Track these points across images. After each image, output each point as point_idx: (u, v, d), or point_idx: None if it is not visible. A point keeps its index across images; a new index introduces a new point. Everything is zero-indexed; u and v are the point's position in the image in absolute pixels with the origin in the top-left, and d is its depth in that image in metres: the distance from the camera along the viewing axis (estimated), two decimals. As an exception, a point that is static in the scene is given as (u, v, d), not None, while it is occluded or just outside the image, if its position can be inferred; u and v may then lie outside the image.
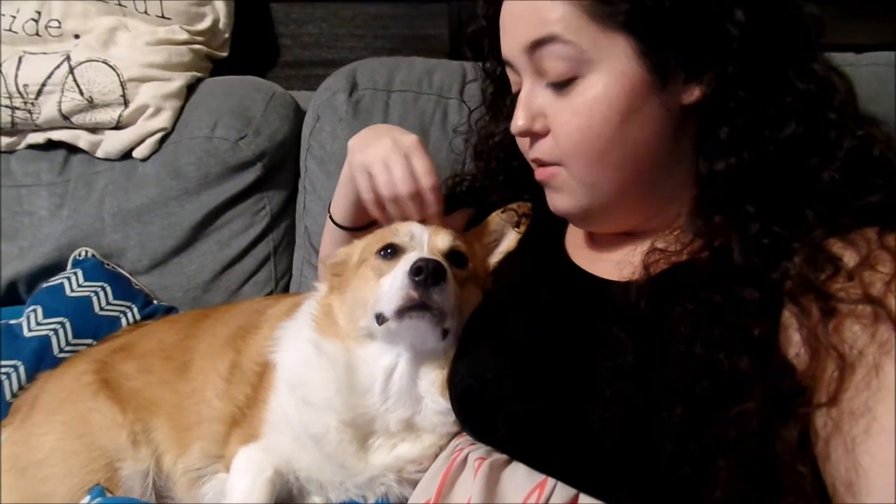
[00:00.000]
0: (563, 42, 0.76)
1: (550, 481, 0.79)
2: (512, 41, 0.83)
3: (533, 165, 0.89)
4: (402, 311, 0.86)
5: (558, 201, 0.87)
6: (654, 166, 0.80)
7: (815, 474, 0.66)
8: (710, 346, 0.70)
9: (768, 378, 0.67)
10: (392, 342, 0.93)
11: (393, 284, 0.87)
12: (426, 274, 0.83)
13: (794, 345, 0.68)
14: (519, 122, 0.84)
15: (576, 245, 0.96)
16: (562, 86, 0.78)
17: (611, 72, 0.75)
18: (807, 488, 0.65)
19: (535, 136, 0.85)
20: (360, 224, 1.11)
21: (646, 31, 0.73)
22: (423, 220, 1.00)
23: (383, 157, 0.97)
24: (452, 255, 0.96)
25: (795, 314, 0.69)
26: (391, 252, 0.95)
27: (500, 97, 1.05)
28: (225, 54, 1.71)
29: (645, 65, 0.74)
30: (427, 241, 0.95)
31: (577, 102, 0.77)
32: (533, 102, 0.82)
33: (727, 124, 0.75)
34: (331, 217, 1.14)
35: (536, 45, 0.78)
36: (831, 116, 0.75)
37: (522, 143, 0.89)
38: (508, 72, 0.88)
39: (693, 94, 0.76)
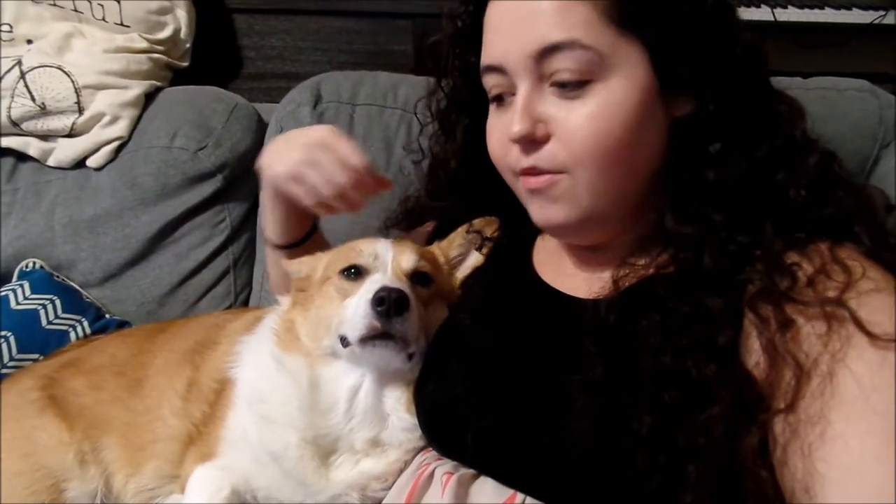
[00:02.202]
0: (583, 47, 0.74)
1: (520, 496, 0.79)
2: (513, 44, 0.78)
3: (513, 177, 0.86)
4: (366, 340, 0.86)
5: (552, 212, 0.82)
6: (649, 176, 0.81)
7: (776, 479, 0.67)
8: (679, 355, 0.71)
9: (733, 385, 0.69)
10: (356, 363, 0.92)
11: (356, 312, 0.86)
12: (388, 305, 0.83)
13: (754, 353, 0.70)
14: (518, 127, 0.78)
15: (543, 261, 0.96)
16: (573, 90, 0.76)
17: (628, 76, 0.74)
18: (768, 493, 0.66)
19: (532, 143, 0.79)
20: (301, 235, 1.09)
21: (661, 40, 0.74)
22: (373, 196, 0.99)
23: (306, 159, 0.92)
24: (416, 275, 0.94)
25: (755, 323, 0.70)
26: (355, 272, 0.94)
27: (453, 112, 1.03)
28: (185, 64, 1.69)
29: (656, 72, 0.75)
30: (391, 261, 0.94)
31: (594, 107, 0.75)
32: (534, 107, 0.78)
33: (705, 142, 0.77)
34: (270, 243, 1.11)
35: (551, 50, 0.75)
36: (797, 135, 0.78)
37: (508, 152, 0.83)
38: (489, 77, 0.83)
39: (685, 107, 0.77)
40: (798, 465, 0.63)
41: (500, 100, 0.84)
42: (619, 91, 0.75)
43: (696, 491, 0.67)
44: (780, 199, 0.75)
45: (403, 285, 0.89)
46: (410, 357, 0.90)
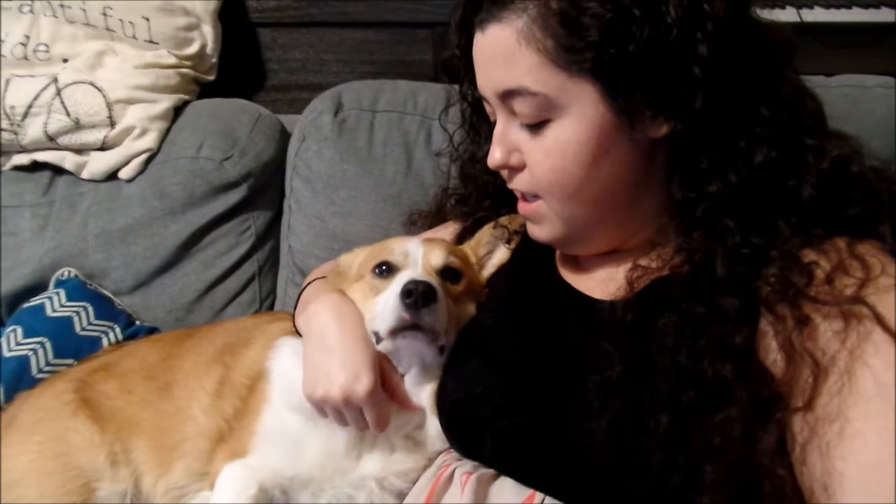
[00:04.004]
0: (531, 94, 0.77)
1: (539, 495, 0.79)
2: (484, 82, 0.84)
3: (517, 194, 0.91)
4: (395, 332, 0.88)
5: (538, 231, 0.90)
6: (627, 196, 0.82)
7: (794, 478, 0.66)
8: (695, 356, 0.71)
9: (750, 385, 0.68)
10: (392, 359, 0.94)
11: (386, 305, 0.89)
12: (416, 296, 0.85)
13: (772, 352, 0.70)
14: (496, 156, 0.86)
15: (565, 262, 0.97)
16: (534, 127, 0.80)
17: (580, 116, 0.77)
18: (787, 492, 0.66)
19: (512, 170, 0.87)
20: None
21: (611, 77, 0.74)
22: None
23: (334, 404, 0.90)
24: (446, 271, 0.97)
25: (771, 322, 0.70)
26: (386, 270, 0.96)
27: (480, 118, 1.06)
28: (212, 78, 1.73)
29: (612, 107, 0.75)
30: (421, 258, 0.96)
31: (549, 144, 0.79)
32: (508, 138, 0.84)
33: (698, 156, 0.76)
34: None
35: (506, 94, 0.80)
36: (808, 142, 0.77)
37: (503, 171, 0.91)
38: (484, 102, 0.90)
39: (661, 129, 0.77)
40: (816, 463, 0.63)
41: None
42: (570, 129, 0.78)
43: (712, 491, 0.67)
44: (794, 200, 0.75)
45: (433, 280, 0.91)
46: (441, 350, 0.91)
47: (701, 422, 0.69)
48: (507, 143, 0.85)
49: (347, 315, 0.95)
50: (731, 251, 0.74)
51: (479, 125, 1.07)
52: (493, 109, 0.87)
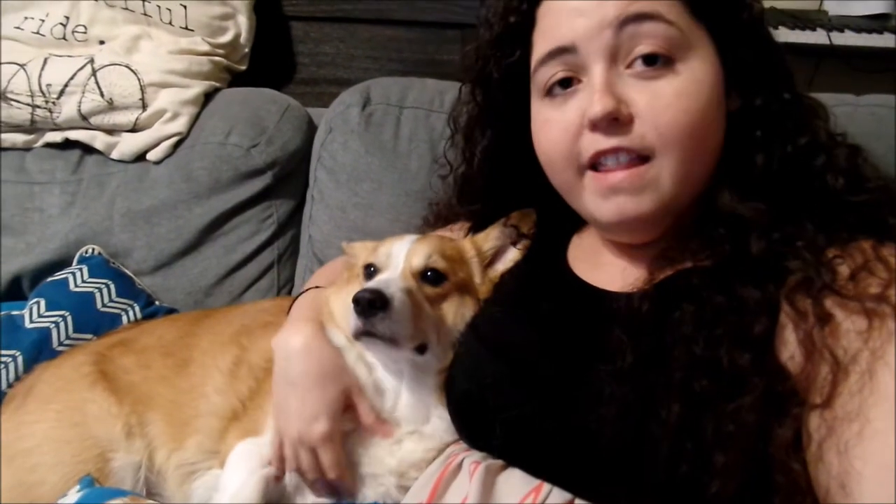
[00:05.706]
0: (666, 22, 0.75)
1: (546, 485, 0.79)
2: (590, 19, 0.77)
3: (575, 174, 0.82)
4: (355, 336, 0.89)
5: (632, 205, 0.78)
6: (715, 164, 0.82)
7: (808, 473, 0.66)
8: (711, 345, 0.71)
9: (766, 376, 0.69)
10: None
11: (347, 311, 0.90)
12: (363, 305, 0.85)
13: (790, 346, 0.70)
14: (600, 106, 0.75)
15: (578, 257, 0.97)
16: (655, 69, 0.76)
17: (706, 59, 0.78)
18: (801, 486, 0.66)
19: (614, 124, 0.76)
20: None
21: (724, 36, 0.79)
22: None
23: (291, 443, 0.93)
24: (428, 273, 0.95)
25: (792, 317, 0.70)
26: (373, 271, 0.98)
27: (483, 120, 1.04)
28: (244, 68, 1.76)
29: (721, 62, 0.79)
30: (403, 260, 0.96)
31: (681, 84, 0.76)
32: (614, 86, 0.76)
33: (760, 129, 0.80)
34: None
35: (634, 20, 0.75)
36: (829, 130, 0.82)
37: (576, 141, 0.80)
38: (551, 64, 0.81)
39: (734, 104, 0.81)
40: (834, 461, 0.63)
41: (564, 85, 0.81)
42: (700, 71, 0.77)
43: (723, 479, 0.67)
44: (820, 186, 0.77)
45: (399, 284, 0.90)
46: (421, 350, 0.91)
47: (713, 411, 0.69)
48: (613, 91, 0.76)
49: (315, 351, 0.95)
50: (766, 229, 0.75)
51: (477, 128, 1.04)
52: (569, 64, 0.80)
